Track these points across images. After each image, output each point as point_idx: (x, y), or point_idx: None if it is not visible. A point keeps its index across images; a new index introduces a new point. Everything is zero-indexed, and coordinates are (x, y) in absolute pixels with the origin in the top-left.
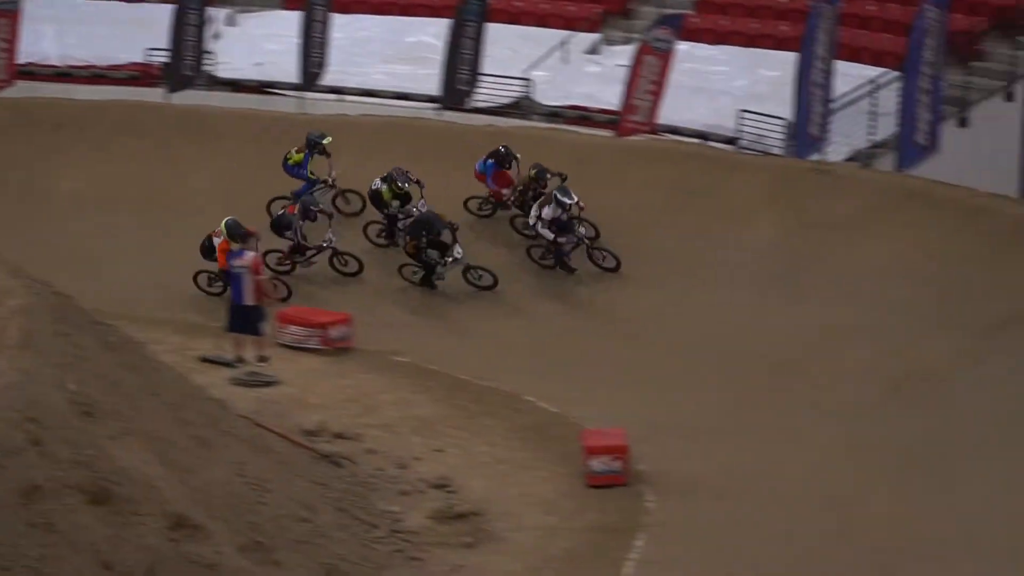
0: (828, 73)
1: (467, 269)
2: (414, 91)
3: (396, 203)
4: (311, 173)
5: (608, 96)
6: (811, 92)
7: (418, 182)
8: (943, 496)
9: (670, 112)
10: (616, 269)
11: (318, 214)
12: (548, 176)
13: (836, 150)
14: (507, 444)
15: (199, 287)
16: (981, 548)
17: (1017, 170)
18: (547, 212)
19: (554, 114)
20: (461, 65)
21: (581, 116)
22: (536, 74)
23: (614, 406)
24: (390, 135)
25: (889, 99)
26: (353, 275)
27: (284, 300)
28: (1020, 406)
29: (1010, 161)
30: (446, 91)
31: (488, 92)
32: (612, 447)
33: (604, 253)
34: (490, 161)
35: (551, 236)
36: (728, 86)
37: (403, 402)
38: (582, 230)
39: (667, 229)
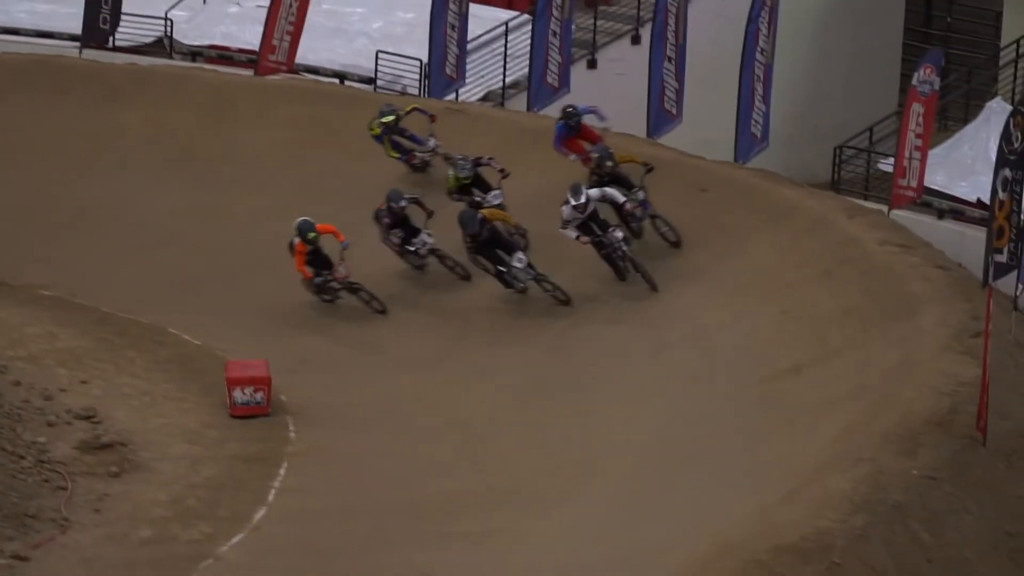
0: (462, 16)
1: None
2: (56, 29)
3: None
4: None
5: (248, 36)
6: (446, 34)
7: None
8: (573, 420)
9: (309, 52)
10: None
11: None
12: (610, 162)
13: (471, 91)
14: (151, 376)
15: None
16: (605, 468)
17: (644, 110)
18: (566, 211)
19: (195, 53)
20: (102, 4)
21: (221, 56)
22: (176, 14)
23: (257, 339)
24: (33, 73)
25: (521, 42)
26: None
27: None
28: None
29: (637, 102)
30: (87, 29)
31: (129, 31)
32: (254, 378)
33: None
34: (559, 122)
35: (573, 236)
36: (365, 27)
37: (48, 335)
38: (618, 234)
39: (307, 165)
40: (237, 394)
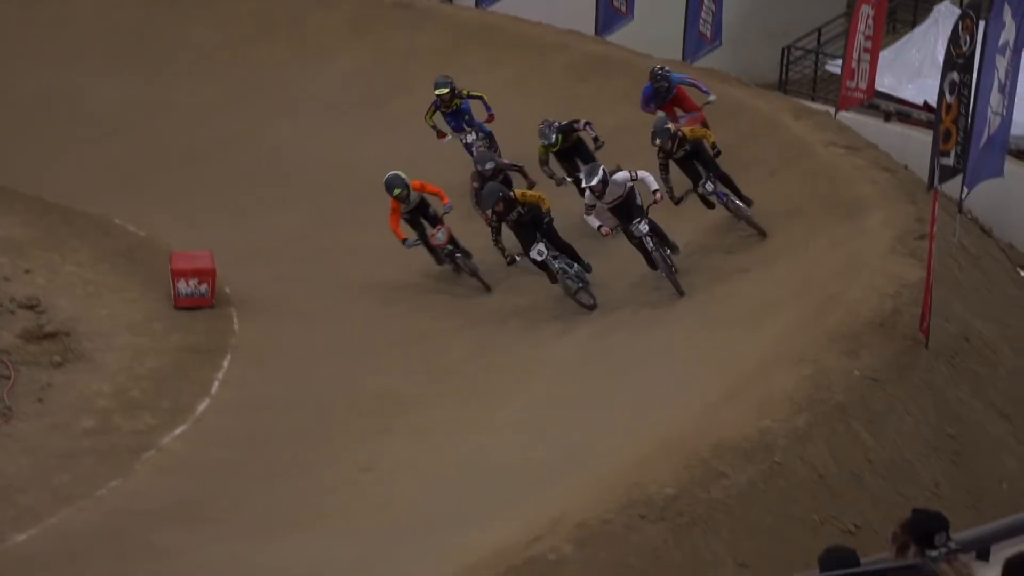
0: None
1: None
2: None
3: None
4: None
5: None
6: None
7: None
8: (520, 324)
9: None
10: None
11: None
12: (671, 137)
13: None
14: (95, 266)
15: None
16: (551, 368)
17: (593, 8)
18: (588, 196)
19: None
20: None
21: None
22: None
23: (202, 231)
24: None
25: None
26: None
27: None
28: None
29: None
30: None
31: None
32: (199, 270)
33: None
34: (647, 86)
35: (595, 225)
36: None
37: None
38: (643, 227)
39: (251, 61)
40: (181, 286)
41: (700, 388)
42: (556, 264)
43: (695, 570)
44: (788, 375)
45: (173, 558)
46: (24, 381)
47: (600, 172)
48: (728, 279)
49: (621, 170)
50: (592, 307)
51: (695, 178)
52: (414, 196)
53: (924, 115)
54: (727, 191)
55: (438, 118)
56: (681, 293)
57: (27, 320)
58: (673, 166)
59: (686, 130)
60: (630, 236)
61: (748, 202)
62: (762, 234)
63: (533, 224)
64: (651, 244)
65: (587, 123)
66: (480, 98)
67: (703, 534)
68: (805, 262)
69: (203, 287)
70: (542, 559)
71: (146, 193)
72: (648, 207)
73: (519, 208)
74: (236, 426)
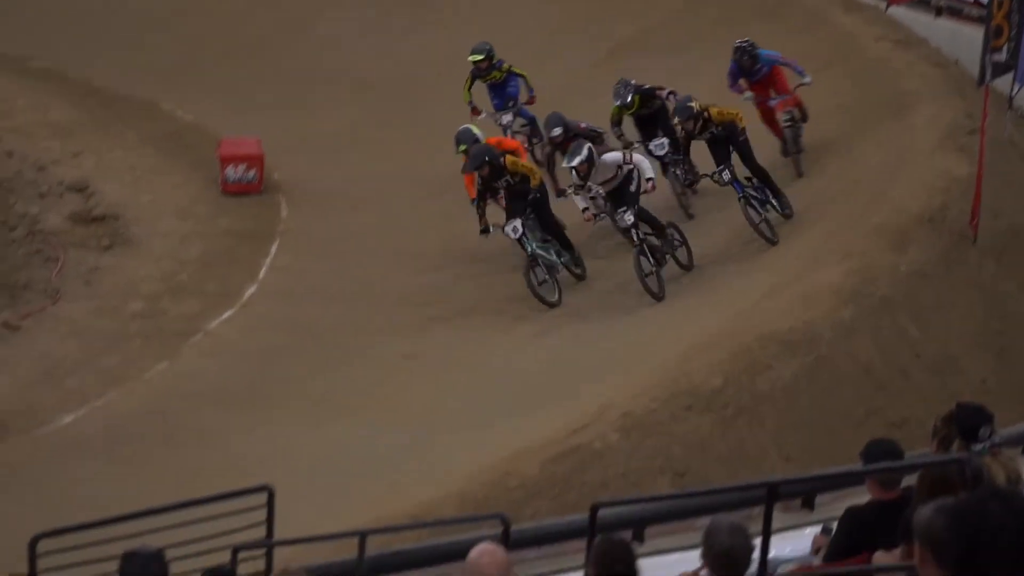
0: None
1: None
2: None
3: None
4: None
5: None
6: None
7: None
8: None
9: None
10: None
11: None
12: (693, 116)
13: None
14: (142, 151)
15: None
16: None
17: None
18: (573, 176)
19: None
20: None
21: None
22: None
23: (249, 119)
24: None
25: None
26: None
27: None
28: None
29: None
30: None
31: None
32: (248, 155)
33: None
34: (732, 62)
35: (580, 207)
36: None
37: (39, 106)
38: (628, 217)
39: None
40: (229, 171)
41: (747, 285)
42: (531, 247)
43: (739, 461)
44: (834, 270)
45: (219, 442)
46: (72, 264)
47: (584, 151)
48: (774, 173)
49: (627, 151)
50: (553, 304)
51: (722, 163)
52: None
53: (975, 11)
54: (748, 186)
55: (480, 92)
56: (657, 299)
57: (75, 203)
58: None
59: (713, 111)
60: (616, 225)
61: (786, 207)
62: (770, 243)
63: (520, 196)
64: (636, 238)
65: (671, 92)
66: (522, 77)
67: (748, 426)
68: (853, 158)
69: (251, 173)
70: (587, 447)
71: (193, 81)
72: (639, 195)
73: (508, 176)
74: (283, 312)
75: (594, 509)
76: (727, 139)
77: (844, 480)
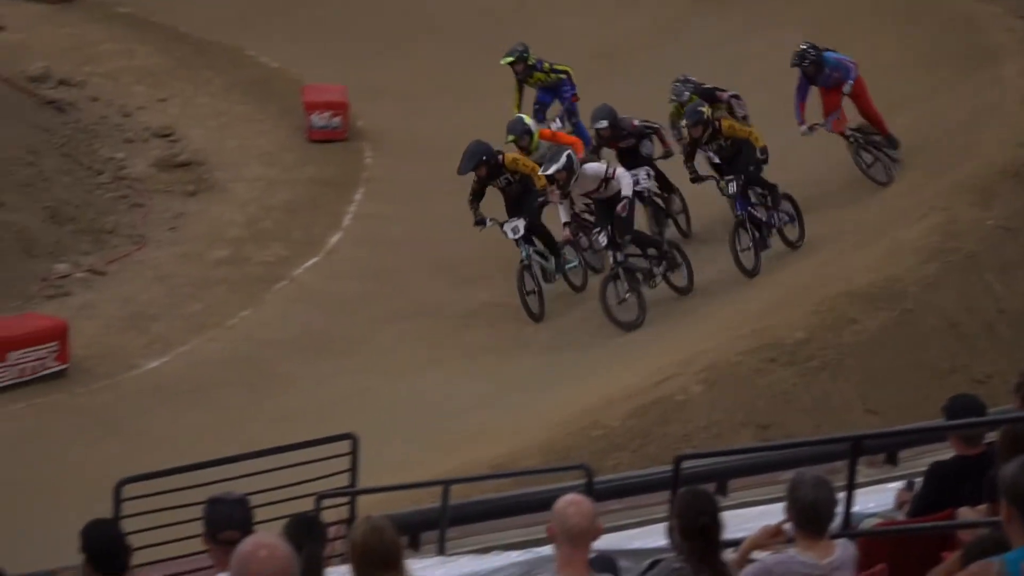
0: None
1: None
2: None
3: None
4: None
5: None
6: None
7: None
8: None
9: None
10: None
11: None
12: (702, 123)
13: None
14: (228, 97)
15: None
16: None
17: None
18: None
19: None
20: None
21: None
22: None
23: (335, 65)
24: None
25: None
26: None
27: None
28: None
29: None
30: None
31: None
32: (333, 103)
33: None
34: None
35: (562, 220)
36: None
37: (126, 52)
38: (601, 239)
39: None
40: (314, 118)
41: (830, 240)
42: (528, 251)
43: (823, 414)
44: (919, 225)
45: (302, 389)
46: (158, 210)
47: (563, 159)
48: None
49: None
50: (536, 318)
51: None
52: (542, 147)
53: None
54: (753, 205)
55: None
56: (626, 329)
57: (161, 149)
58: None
59: (725, 123)
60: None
61: (798, 241)
62: (747, 274)
63: (522, 196)
64: (612, 260)
65: (734, 95)
66: (564, 73)
67: (832, 379)
68: (938, 110)
69: (336, 120)
70: (669, 399)
71: (280, 27)
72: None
73: (507, 175)
74: (367, 260)
75: (678, 461)
76: (735, 156)
77: (928, 435)
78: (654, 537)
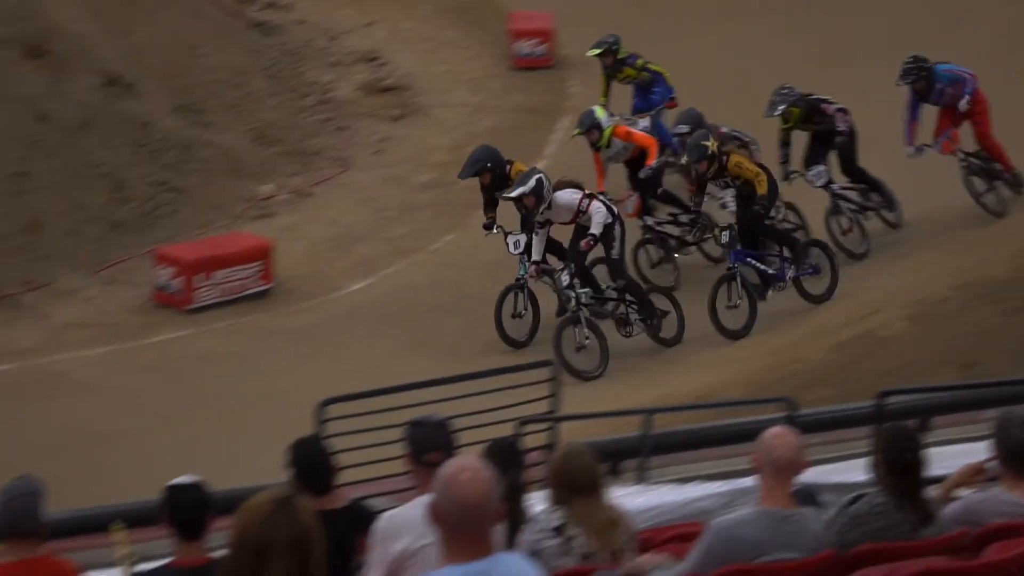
0: None
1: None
2: None
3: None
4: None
5: None
6: None
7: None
8: None
9: None
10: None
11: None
12: (706, 157)
13: None
14: (435, 22)
15: None
16: None
17: None
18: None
19: None
20: None
21: None
22: None
23: None
24: None
25: None
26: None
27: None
28: None
29: None
30: None
31: None
32: (539, 31)
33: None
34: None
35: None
36: None
37: None
38: (563, 278)
39: None
40: (520, 46)
41: None
42: (523, 271)
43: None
44: None
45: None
46: (363, 133)
47: (531, 182)
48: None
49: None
50: (515, 344)
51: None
52: (615, 144)
53: None
54: (753, 257)
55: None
56: (583, 379)
57: (367, 73)
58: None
59: (733, 159)
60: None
61: (820, 294)
62: (729, 336)
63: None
64: (573, 302)
65: (841, 108)
66: (659, 75)
67: None
68: None
69: (542, 48)
70: (872, 335)
71: None
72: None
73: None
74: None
75: (882, 396)
76: (748, 198)
77: None
78: (855, 472)
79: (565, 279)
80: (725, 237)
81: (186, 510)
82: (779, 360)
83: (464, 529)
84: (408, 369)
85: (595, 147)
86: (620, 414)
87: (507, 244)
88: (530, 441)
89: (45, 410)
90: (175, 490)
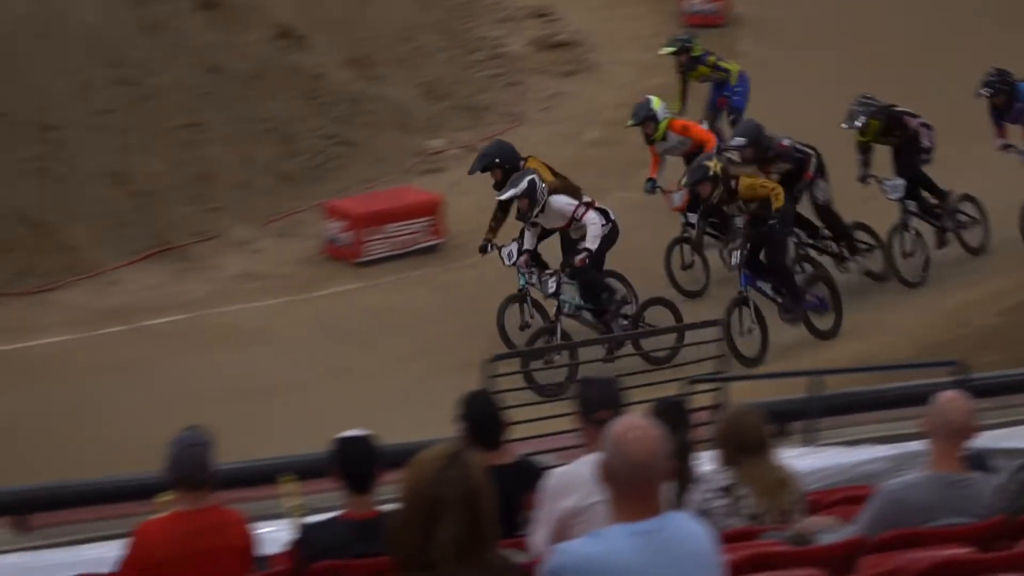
0: None
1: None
2: None
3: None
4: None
5: None
6: None
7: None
8: None
9: None
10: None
11: None
12: (708, 180)
13: None
14: None
15: None
16: None
17: None
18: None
19: None
20: None
21: None
22: None
23: None
24: None
25: None
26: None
27: None
28: None
29: None
30: None
31: None
32: None
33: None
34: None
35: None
36: None
37: None
38: (550, 284)
39: None
40: (691, 2)
41: None
42: (523, 281)
43: None
44: None
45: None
46: (533, 88)
47: (523, 184)
48: None
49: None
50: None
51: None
52: (671, 138)
53: None
54: (763, 281)
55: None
56: (548, 397)
57: (537, 29)
58: None
59: (745, 181)
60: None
61: (825, 329)
62: (747, 367)
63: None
64: (555, 311)
65: (924, 123)
66: (729, 72)
67: None
68: None
69: (713, 5)
70: None
71: None
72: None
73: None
74: None
75: None
76: (760, 219)
77: None
78: None
79: (552, 286)
80: (734, 259)
81: (356, 463)
82: (951, 323)
83: (633, 488)
84: (572, 325)
85: (650, 140)
86: (789, 375)
87: (501, 258)
88: (698, 401)
89: (214, 361)
90: (345, 443)
